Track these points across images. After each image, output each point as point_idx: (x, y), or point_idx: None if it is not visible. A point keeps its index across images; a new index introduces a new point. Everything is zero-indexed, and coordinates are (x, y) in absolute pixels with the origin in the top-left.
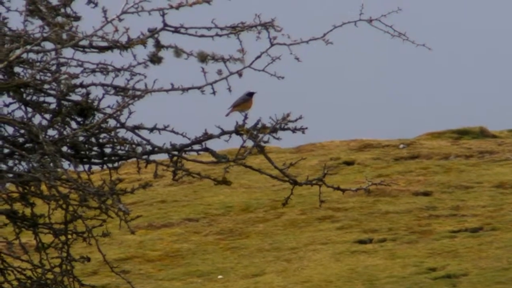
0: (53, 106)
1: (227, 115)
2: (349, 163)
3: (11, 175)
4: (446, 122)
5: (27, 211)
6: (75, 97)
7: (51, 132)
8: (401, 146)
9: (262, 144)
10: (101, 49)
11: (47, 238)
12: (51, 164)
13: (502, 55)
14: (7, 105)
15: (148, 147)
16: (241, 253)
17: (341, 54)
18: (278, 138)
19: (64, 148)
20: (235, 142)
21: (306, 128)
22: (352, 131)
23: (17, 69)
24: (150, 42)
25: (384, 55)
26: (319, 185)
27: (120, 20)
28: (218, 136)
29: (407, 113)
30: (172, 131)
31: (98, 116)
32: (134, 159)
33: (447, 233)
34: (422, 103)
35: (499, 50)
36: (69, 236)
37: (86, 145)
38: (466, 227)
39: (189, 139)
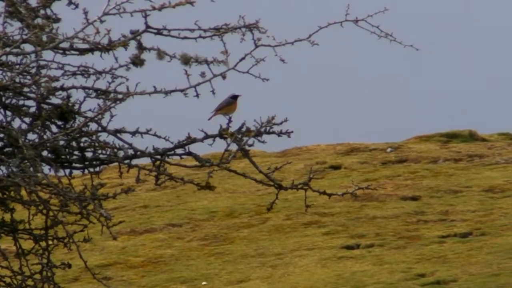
0: (33, 109)
1: (209, 118)
2: (335, 167)
3: None
4: (434, 125)
5: (7, 216)
6: (55, 100)
7: (31, 136)
8: (389, 149)
9: (247, 147)
10: (82, 51)
11: (27, 244)
12: (31, 169)
13: (492, 58)
14: None
15: (130, 151)
16: (226, 259)
17: (327, 56)
18: (263, 142)
19: (45, 153)
20: (219, 146)
21: (292, 131)
22: (339, 135)
23: None
24: (132, 44)
25: (371, 57)
26: (304, 189)
27: (101, 21)
28: (202, 140)
29: (394, 116)
30: (155, 135)
31: (79, 120)
32: (116, 164)
33: (436, 238)
34: (410, 106)
35: (489, 52)
36: (50, 242)
37: (67, 149)
38: (455, 232)
39: (172, 143)
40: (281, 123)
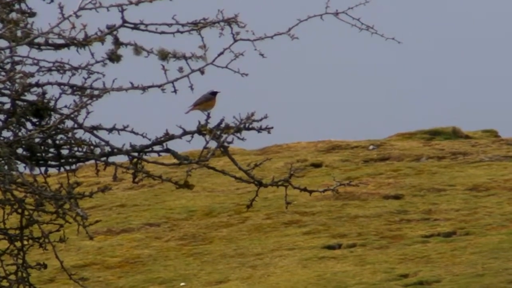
0: (7, 106)
1: (186, 112)
2: (316, 165)
3: None
4: (417, 122)
5: None
6: (30, 97)
7: (6, 133)
8: (371, 147)
9: (226, 144)
10: (58, 47)
11: (2, 244)
12: (6, 167)
13: (474, 53)
14: None
15: (107, 149)
16: (204, 259)
17: (308, 50)
18: (242, 139)
19: (20, 150)
20: (198, 143)
21: (272, 127)
22: (320, 132)
23: None
24: (109, 39)
25: (353, 54)
26: (285, 186)
27: (77, 16)
28: (180, 137)
29: (377, 113)
30: (132, 132)
31: (55, 117)
32: (93, 161)
33: (419, 238)
34: (392, 102)
35: (472, 49)
36: (25, 242)
37: (42, 147)
38: (439, 232)
39: (149, 139)
40: (260, 119)
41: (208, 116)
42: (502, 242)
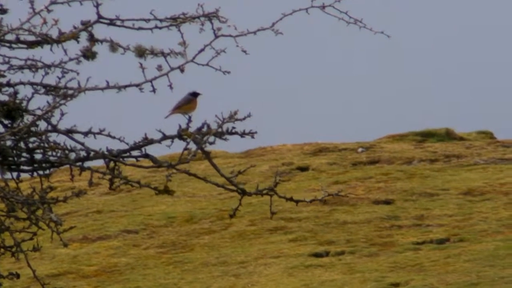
0: None
1: (166, 117)
2: (303, 169)
3: None
4: (408, 123)
5: None
6: (1, 97)
7: None
8: (360, 149)
9: (208, 145)
10: (30, 44)
11: None
12: None
13: (467, 51)
14: None
15: (83, 153)
16: (185, 268)
17: (293, 47)
18: (224, 139)
19: None
20: (178, 148)
21: (256, 132)
22: (306, 134)
23: None
24: (83, 35)
25: (340, 52)
26: (270, 195)
27: (49, 11)
28: (159, 141)
29: (366, 114)
30: (109, 135)
31: (27, 118)
32: (67, 166)
33: (411, 245)
34: (382, 102)
35: (464, 45)
36: None
37: (14, 151)
38: (431, 238)
39: (127, 144)
40: (244, 118)
41: (189, 120)
42: (498, 249)
